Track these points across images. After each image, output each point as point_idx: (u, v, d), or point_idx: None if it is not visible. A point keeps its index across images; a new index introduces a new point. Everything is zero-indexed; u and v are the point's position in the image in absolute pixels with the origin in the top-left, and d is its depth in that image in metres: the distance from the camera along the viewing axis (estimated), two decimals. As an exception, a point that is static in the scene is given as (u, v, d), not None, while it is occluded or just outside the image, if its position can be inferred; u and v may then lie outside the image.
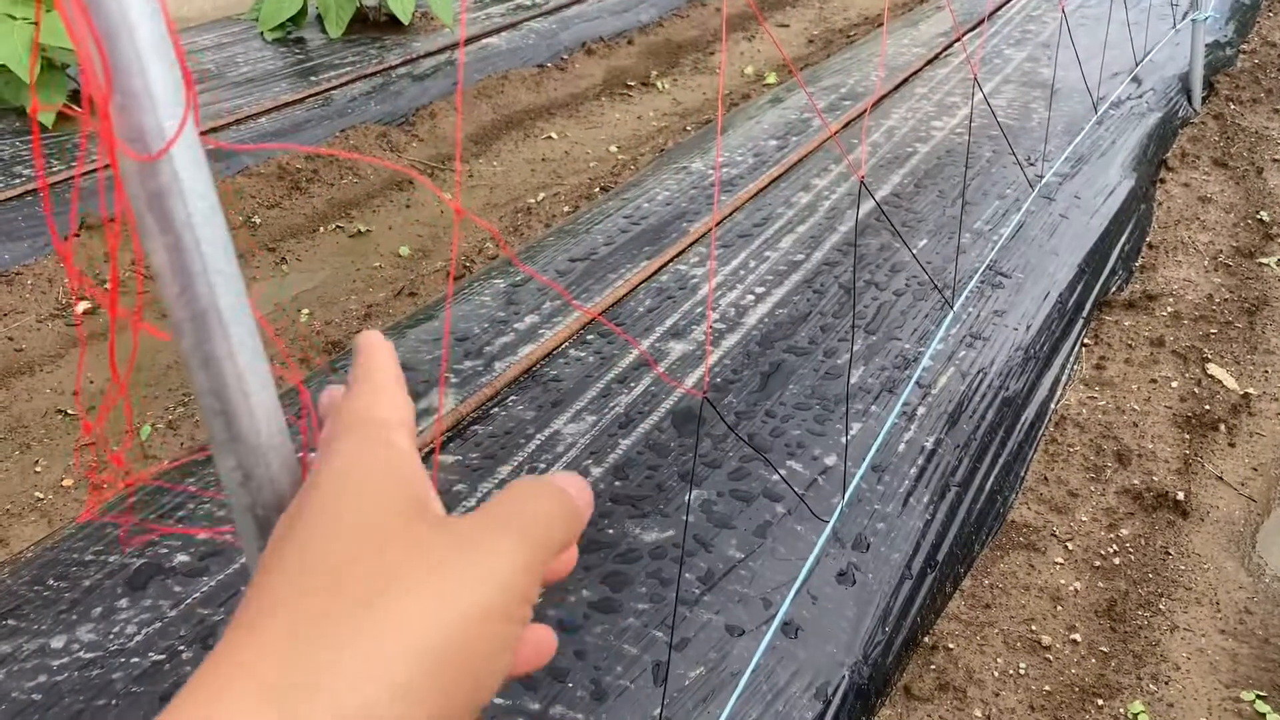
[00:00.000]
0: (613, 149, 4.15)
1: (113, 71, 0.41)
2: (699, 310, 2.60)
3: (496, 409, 2.22)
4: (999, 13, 4.98)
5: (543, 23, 4.95)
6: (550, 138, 4.25)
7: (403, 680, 0.33)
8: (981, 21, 4.81)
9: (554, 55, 4.83)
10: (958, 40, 4.47)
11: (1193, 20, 4.18)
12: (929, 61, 4.23)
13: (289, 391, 2.05)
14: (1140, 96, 4.05)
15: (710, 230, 2.94)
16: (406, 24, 4.64)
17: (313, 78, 4.25)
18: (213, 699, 0.32)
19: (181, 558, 1.88)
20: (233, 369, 0.42)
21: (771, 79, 4.76)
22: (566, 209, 3.55)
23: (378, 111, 4.10)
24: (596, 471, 2.03)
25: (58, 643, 1.70)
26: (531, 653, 0.43)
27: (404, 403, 0.44)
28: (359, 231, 3.50)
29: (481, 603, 0.36)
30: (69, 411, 2.66)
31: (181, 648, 1.69)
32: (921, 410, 2.27)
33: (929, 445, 2.19)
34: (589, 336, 2.47)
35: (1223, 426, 2.55)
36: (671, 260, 2.81)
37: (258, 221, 3.47)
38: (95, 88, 0.43)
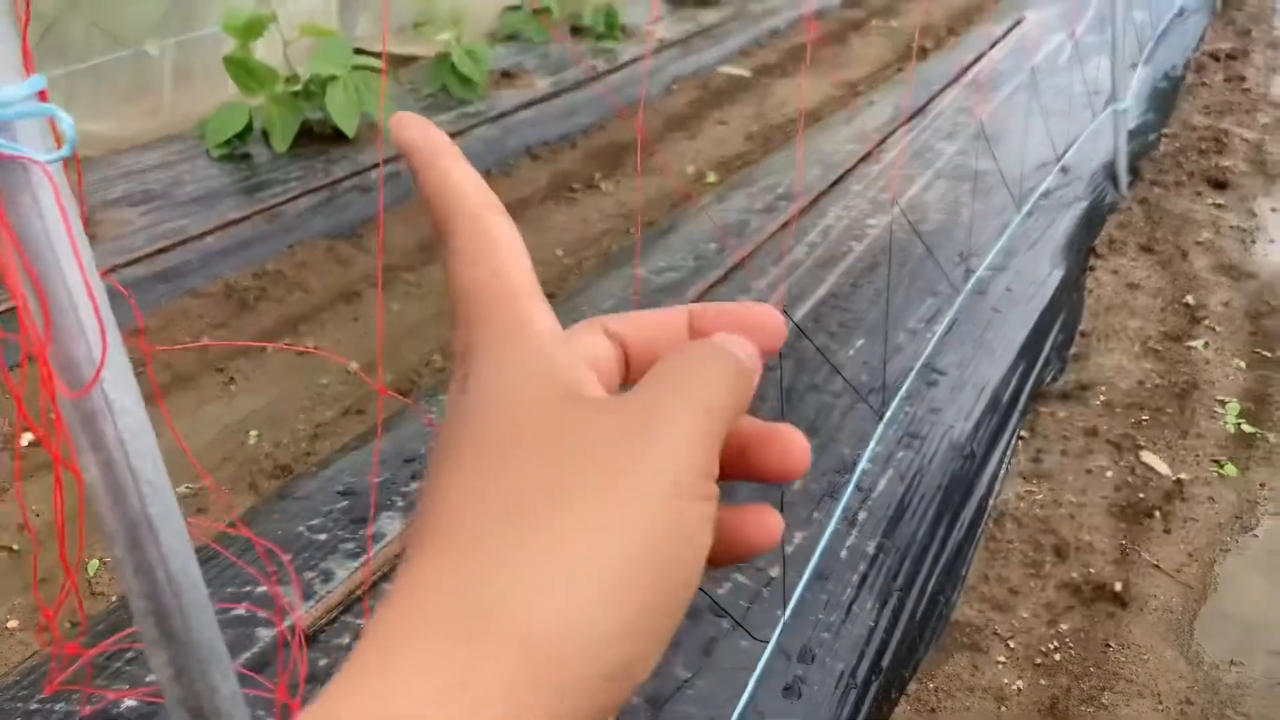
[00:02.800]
0: (559, 252, 4.23)
1: (49, 309, 0.45)
2: (643, 421, 2.64)
3: (443, 533, 2.23)
4: (930, 106, 5.15)
5: (487, 130, 5.06)
6: (497, 243, 4.31)
7: (594, 588, 0.30)
8: (913, 115, 4.98)
9: (499, 161, 4.92)
10: (890, 135, 4.62)
11: (1114, 110, 4.35)
12: (862, 158, 4.37)
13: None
14: (1068, 185, 4.20)
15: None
16: (352, 137, 4.72)
17: (259, 194, 4.31)
18: (388, 644, 0.30)
19: (129, 701, 1.86)
20: (164, 573, 0.46)
21: (712, 178, 4.88)
22: (513, 318, 3.60)
23: (325, 225, 4.16)
24: (543, 594, 2.05)
25: (-2, 802, 1.68)
26: (758, 534, 0.39)
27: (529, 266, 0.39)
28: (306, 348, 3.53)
29: (666, 483, 0.32)
30: (14, 548, 2.64)
31: (125, 801, 1.67)
32: (863, 515, 2.32)
33: (871, 550, 2.23)
34: (534, 453, 2.50)
35: (1157, 513, 2.62)
36: (615, 370, 2.86)
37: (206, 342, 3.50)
38: (35, 332, 0.47)
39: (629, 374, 0.41)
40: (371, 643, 0.30)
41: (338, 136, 4.85)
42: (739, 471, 0.39)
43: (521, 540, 0.31)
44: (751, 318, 0.41)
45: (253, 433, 3.09)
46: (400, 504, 2.33)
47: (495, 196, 0.39)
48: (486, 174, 4.79)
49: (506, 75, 5.73)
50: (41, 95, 0.48)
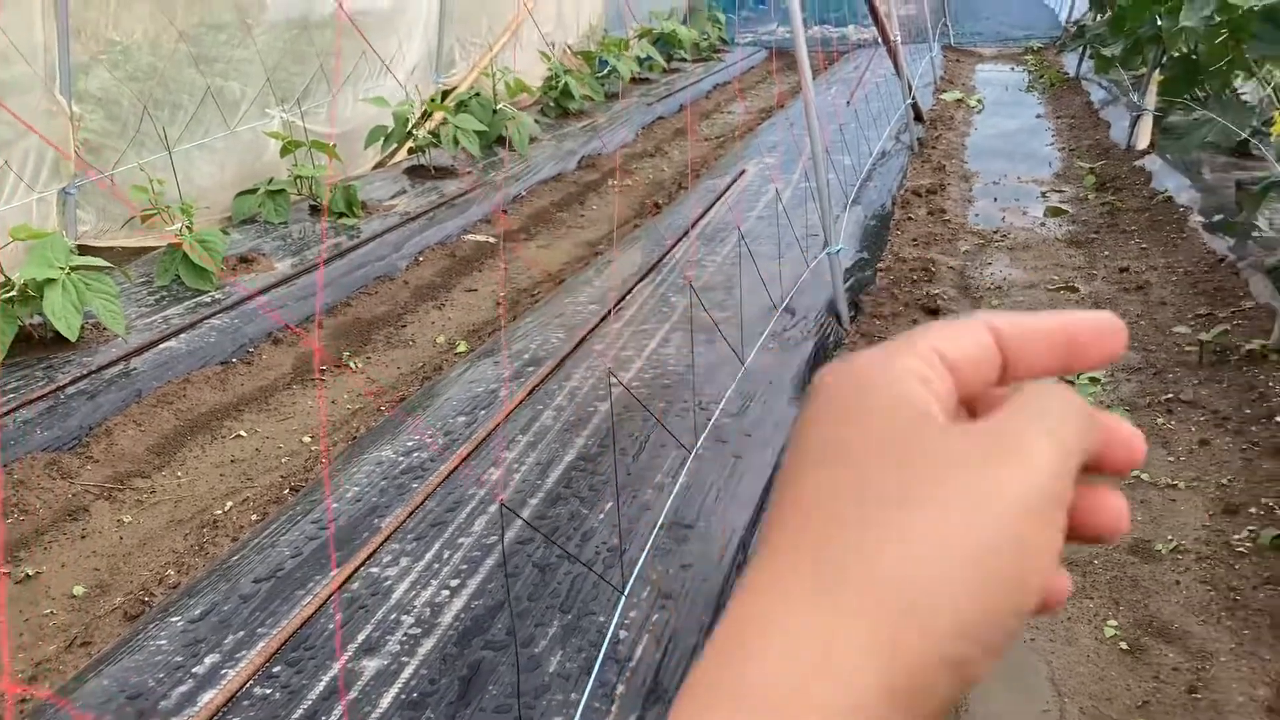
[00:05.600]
0: (306, 440, 4.10)
1: None
2: (393, 617, 2.55)
3: (173, 776, 2.06)
4: (665, 260, 5.39)
5: (224, 319, 4.91)
6: (240, 436, 4.15)
7: (938, 577, 0.32)
8: (649, 271, 5.19)
9: (239, 349, 4.77)
10: (628, 293, 4.79)
11: (828, 254, 4.68)
12: (601, 320, 4.50)
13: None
14: (795, 326, 4.46)
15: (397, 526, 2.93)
16: (74, 339, 4.47)
17: (-31, 411, 3.99)
18: (750, 612, 0.34)
19: None
20: None
21: (462, 348, 4.90)
22: (255, 517, 3.44)
23: (45, 438, 3.88)
24: (285, 831, 1.91)
25: None
26: (1108, 521, 0.40)
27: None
28: (26, 576, 3.24)
29: (1019, 501, 0.34)
30: None
31: None
32: (621, 688, 2.30)
33: (630, 724, 2.20)
34: (275, 669, 2.36)
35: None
36: (362, 565, 2.77)
37: (-96, 584, 3.16)
38: None
39: (1004, 375, 0.42)
40: (736, 610, 0.35)
41: (60, 340, 4.59)
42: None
43: (877, 526, 0.34)
44: (1085, 330, 0.42)
45: (-40, 683, 2.78)
46: (125, 749, 2.14)
47: None
48: (226, 364, 4.64)
49: (244, 260, 5.61)
50: None
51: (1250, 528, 3.13)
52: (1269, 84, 5.39)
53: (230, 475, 3.85)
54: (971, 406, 0.42)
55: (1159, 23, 6.10)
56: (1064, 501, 0.37)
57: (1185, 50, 6.22)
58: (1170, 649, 2.73)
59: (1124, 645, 2.74)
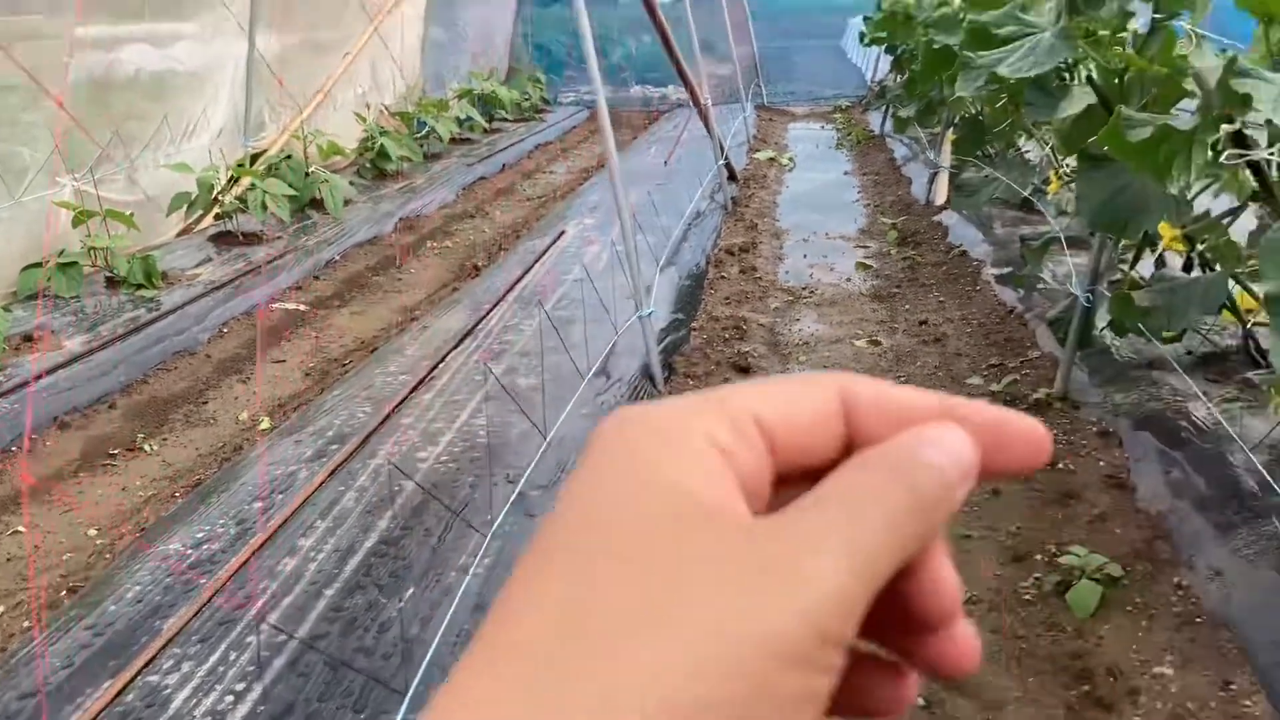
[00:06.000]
0: (91, 533, 3.85)
1: None
2: (169, 730, 2.39)
3: None
4: (481, 325, 5.33)
5: (1, 404, 4.59)
6: (17, 532, 3.86)
7: None
8: (465, 337, 5.12)
9: (17, 437, 4.46)
10: (440, 363, 4.71)
11: (639, 317, 4.72)
12: (412, 390, 4.40)
13: None
14: (609, 390, 4.46)
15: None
16: None
17: None
18: None
19: None
20: None
21: (265, 424, 4.71)
22: (27, 624, 3.19)
23: None
24: None
25: None
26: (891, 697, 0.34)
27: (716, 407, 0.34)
28: None
29: (767, 644, 0.27)
30: None
31: None
32: (412, 791, 2.20)
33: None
34: (32, 800, 2.17)
35: None
36: (138, 674, 2.59)
37: None
38: None
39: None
40: None
41: None
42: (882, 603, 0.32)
43: (602, 653, 0.27)
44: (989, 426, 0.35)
45: None
46: None
47: None
48: (4, 452, 4.32)
49: (29, 339, 5.26)
50: None
51: (1035, 575, 3.27)
52: (1046, 145, 5.75)
53: (4, 577, 3.57)
54: (811, 480, 0.34)
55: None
56: (843, 636, 0.29)
57: (973, 112, 6.59)
58: (965, 700, 2.80)
59: (920, 701, 2.80)
